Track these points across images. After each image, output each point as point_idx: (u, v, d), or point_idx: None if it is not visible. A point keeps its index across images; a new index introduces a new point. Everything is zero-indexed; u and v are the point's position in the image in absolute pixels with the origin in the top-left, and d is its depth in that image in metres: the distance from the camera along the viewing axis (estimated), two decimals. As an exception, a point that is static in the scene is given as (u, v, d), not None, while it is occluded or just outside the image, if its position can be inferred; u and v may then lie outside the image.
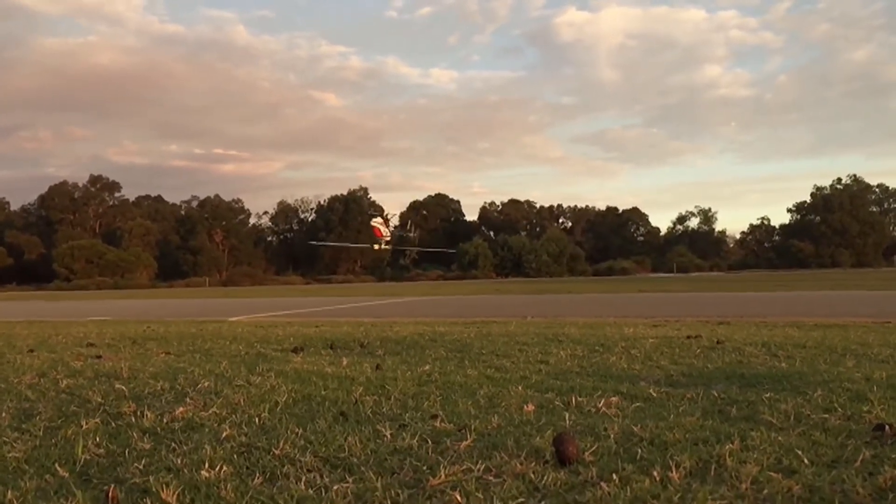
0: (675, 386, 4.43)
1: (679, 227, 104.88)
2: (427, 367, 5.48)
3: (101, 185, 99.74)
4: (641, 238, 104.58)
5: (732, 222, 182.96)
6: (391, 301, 23.97)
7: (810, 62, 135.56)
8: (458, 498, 2.21)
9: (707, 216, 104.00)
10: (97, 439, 3.21)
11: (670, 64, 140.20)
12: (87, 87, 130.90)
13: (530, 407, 3.77)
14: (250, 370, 5.53)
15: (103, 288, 70.05)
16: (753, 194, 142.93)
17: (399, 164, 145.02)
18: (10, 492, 2.33)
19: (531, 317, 12.69)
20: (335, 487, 2.35)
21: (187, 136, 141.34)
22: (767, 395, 3.98)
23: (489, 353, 6.38)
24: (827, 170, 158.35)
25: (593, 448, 2.79)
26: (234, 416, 3.71)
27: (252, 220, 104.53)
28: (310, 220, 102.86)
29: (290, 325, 11.56)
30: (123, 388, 4.75)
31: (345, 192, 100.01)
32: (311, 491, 2.35)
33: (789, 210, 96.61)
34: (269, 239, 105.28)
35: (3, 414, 3.92)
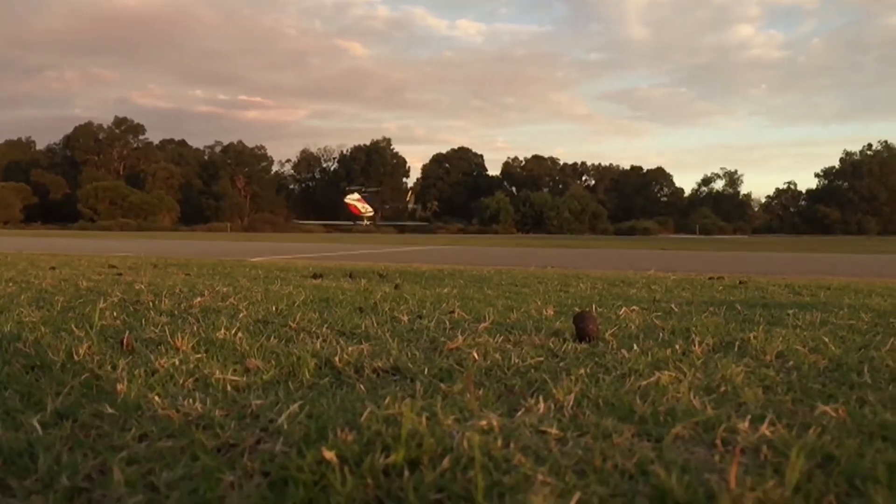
0: (698, 305, 4.36)
1: (704, 188, 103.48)
2: (446, 290, 5.44)
3: (126, 128, 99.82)
4: (665, 199, 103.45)
5: (758, 186, 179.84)
6: (411, 249, 23.96)
7: (845, 26, 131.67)
8: (476, 356, 2.17)
9: (733, 179, 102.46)
10: (114, 314, 3.20)
11: (702, 23, 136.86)
12: (113, 28, 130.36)
13: (549, 311, 3.72)
14: (269, 285, 5.53)
15: (126, 229, 70.57)
16: (781, 158, 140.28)
17: (423, 117, 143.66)
18: (25, 334, 2.32)
19: (551, 267, 12.61)
20: (350, 348, 2.31)
21: (212, 81, 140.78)
22: (791, 311, 3.90)
23: (508, 284, 6.33)
24: (858, 136, 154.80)
25: (613, 330, 2.74)
26: (251, 306, 3.69)
27: (275, 168, 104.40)
28: (332, 169, 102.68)
29: (309, 261, 11.60)
30: (142, 287, 4.76)
31: (368, 143, 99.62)
32: (326, 350, 2.32)
33: (817, 175, 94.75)
34: (292, 187, 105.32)
35: (22, 298, 3.94)
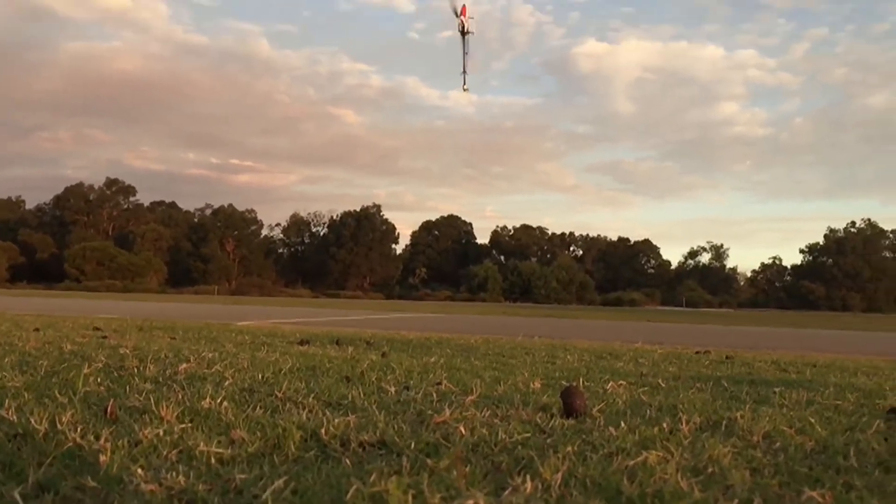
0: (685, 381, 4.36)
1: (690, 261, 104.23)
2: (433, 359, 5.43)
3: (117, 189, 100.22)
4: (652, 270, 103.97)
5: (744, 260, 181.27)
6: (399, 315, 23.91)
7: (827, 105, 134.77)
8: (463, 430, 2.16)
9: (718, 252, 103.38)
10: (98, 379, 3.17)
11: (687, 99, 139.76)
12: (109, 91, 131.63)
13: (537, 384, 3.72)
14: (255, 351, 5.50)
15: (113, 291, 70.23)
16: (766, 233, 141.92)
17: (414, 184, 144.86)
18: (8, 400, 2.30)
19: (538, 336, 12.61)
20: (336, 421, 2.29)
21: (205, 145, 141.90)
22: (778, 389, 3.91)
23: (495, 354, 6.33)
24: (841, 213, 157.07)
25: (601, 406, 2.74)
26: (237, 374, 3.66)
27: (264, 232, 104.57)
28: (321, 234, 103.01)
29: (296, 327, 11.55)
30: (127, 352, 4.73)
31: (358, 209, 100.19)
32: (312, 421, 2.30)
33: (801, 251, 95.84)
34: (280, 251, 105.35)
35: (6, 361, 3.90)
